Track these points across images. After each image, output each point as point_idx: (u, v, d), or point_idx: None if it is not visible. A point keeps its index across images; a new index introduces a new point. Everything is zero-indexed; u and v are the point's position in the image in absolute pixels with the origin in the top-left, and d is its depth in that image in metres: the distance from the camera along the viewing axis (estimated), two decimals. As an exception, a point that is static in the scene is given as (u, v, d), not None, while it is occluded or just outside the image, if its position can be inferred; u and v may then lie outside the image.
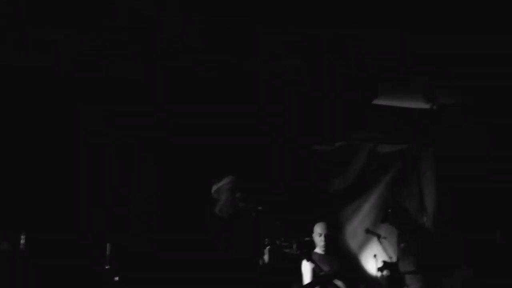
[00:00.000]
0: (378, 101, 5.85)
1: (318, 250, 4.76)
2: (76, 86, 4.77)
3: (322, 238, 4.68)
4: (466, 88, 5.55)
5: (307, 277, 4.63)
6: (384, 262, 5.11)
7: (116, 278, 4.36)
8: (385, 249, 5.04)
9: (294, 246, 4.83)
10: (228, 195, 3.51)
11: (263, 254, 4.85)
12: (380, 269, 5.19)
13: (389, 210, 5.30)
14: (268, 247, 5.45)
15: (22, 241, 4.17)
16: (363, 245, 6.11)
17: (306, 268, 4.63)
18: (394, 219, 5.24)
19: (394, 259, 4.99)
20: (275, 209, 4.81)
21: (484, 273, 5.06)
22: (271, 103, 5.41)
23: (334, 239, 4.86)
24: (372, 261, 5.50)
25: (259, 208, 3.81)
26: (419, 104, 5.91)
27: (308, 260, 4.48)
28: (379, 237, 5.03)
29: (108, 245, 4.43)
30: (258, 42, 4.56)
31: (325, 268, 4.50)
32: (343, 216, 6.25)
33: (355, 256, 6.20)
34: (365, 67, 5.21)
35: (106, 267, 4.40)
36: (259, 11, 4.15)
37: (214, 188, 3.54)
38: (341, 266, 4.73)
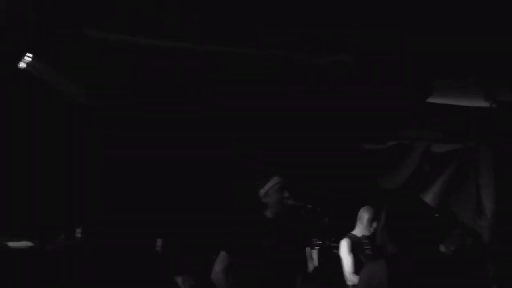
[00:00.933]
0: (433, 99, 5.66)
1: (363, 232, 4.73)
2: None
3: (375, 224, 4.64)
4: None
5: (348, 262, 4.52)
6: None
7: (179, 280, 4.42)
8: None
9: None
10: (278, 196, 3.46)
11: (311, 254, 4.80)
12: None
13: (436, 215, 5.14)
14: (317, 248, 5.40)
15: (78, 234, 4.32)
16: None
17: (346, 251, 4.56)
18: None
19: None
20: (324, 208, 4.78)
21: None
22: (322, 99, 5.35)
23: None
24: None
25: (309, 206, 3.76)
26: (477, 102, 5.67)
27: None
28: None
29: (158, 240, 4.52)
30: (311, 36, 4.51)
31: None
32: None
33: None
34: (420, 64, 5.06)
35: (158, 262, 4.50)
36: (313, 5, 4.10)
37: (262, 192, 3.49)
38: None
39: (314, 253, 5.36)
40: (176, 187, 5.02)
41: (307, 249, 5.45)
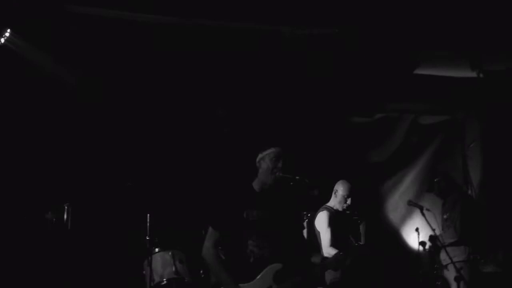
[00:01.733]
0: (420, 71, 5.64)
1: (337, 207, 4.68)
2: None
3: (349, 201, 4.63)
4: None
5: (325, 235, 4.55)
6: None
7: (157, 250, 4.43)
8: (428, 222, 4.89)
9: None
10: (269, 164, 3.45)
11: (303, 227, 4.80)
12: (422, 243, 5.05)
13: (436, 180, 5.17)
14: (306, 220, 5.41)
15: (65, 211, 4.29)
16: (404, 218, 5.98)
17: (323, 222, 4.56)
18: (440, 188, 5.11)
19: (437, 232, 4.86)
20: (313, 181, 4.78)
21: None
22: (309, 74, 5.31)
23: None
24: (414, 234, 5.35)
25: (297, 177, 3.75)
26: (464, 73, 5.66)
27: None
28: (422, 209, 4.87)
29: (148, 216, 4.50)
30: (296, 7, 4.45)
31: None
32: (383, 189, 6.12)
33: (396, 230, 6.08)
34: (406, 35, 5.03)
35: (147, 238, 4.49)
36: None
37: (259, 156, 3.45)
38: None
39: (304, 225, 5.38)
40: (165, 162, 4.99)
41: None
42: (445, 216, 5.00)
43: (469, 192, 5.80)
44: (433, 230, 4.76)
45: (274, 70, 5.14)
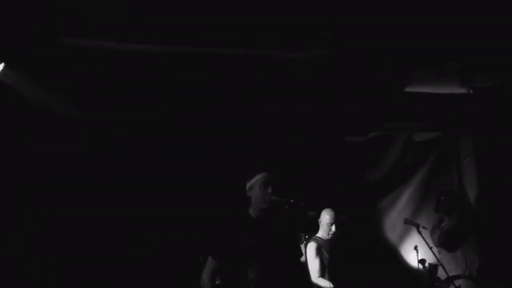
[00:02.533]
0: (411, 88, 5.69)
1: (322, 235, 4.73)
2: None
3: (333, 227, 4.70)
4: (504, 68, 5.33)
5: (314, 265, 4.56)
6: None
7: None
8: (425, 239, 4.88)
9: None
10: (260, 191, 3.44)
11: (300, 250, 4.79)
12: (421, 261, 5.03)
13: (442, 198, 5.20)
14: (305, 242, 5.39)
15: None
16: (402, 236, 5.95)
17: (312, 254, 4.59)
18: (445, 206, 5.14)
19: (434, 249, 4.84)
20: (309, 203, 4.77)
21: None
22: (301, 94, 5.35)
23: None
24: (413, 253, 5.33)
25: (292, 201, 3.74)
26: (454, 89, 5.72)
27: None
28: (418, 227, 4.87)
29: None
30: (285, 31, 4.51)
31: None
32: (380, 209, 6.11)
33: (395, 249, 6.05)
34: (395, 54, 5.08)
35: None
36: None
37: (248, 185, 3.48)
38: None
39: (302, 248, 5.36)
40: (158, 187, 4.97)
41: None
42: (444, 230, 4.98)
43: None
44: (430, 248, 4.76)
45: (266, 93, 5.17)
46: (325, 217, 4.76)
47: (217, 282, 3.42)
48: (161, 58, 4.68)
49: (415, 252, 5.13)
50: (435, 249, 4.88)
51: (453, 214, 5.18)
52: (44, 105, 4.65)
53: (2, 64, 4.43)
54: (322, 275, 4.55)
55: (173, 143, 5.17)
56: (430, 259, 5.19)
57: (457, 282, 4.60)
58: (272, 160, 5.08)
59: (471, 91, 5.61)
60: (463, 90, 5.65)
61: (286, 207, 3.59)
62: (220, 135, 5.26)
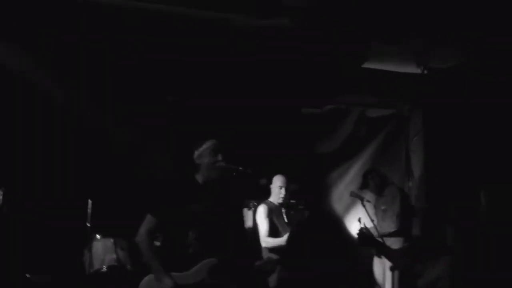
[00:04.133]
0: (368, 65, 5.76)
1: (274, 200, 4.87)
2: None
3: (283, 190, 4.83)
4: (457, 51, 5.46)
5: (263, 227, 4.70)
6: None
7: (98, 237, 4.38)
8: (367, 213, 5.07)
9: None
10: (210, 158, 3.44)
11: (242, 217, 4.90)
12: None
13: (370, 176, 5.41)
14: (253, 209, 5.49)
15: (0, 197, 4.15)
16: (348, 208, 6.14)
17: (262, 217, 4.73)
18: (375, 183, 5.36)
19: (375, 222, 5.03)
20: (260, 171, 4.83)
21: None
22: (260, 63, 5.31)
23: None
24: (356, 224, 5.53)
25: (240, 168, 3.77)
26: (410, 68, 5.83)
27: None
28: (362, 200, 5.05)
29: (89, 202, 4.43)
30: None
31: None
32: (329, 180, 6.26)
33: (340, 219, 6.25)
34: (356, 29, 5.11)
35: (87, 225, 4.43)
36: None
37: (196, 153, 3.44)
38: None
39: (250, 214, 5.46)
40: (105, 147, 4.89)
41: (244, 210, 5.57)
42: (383, 208, 5.19)
43: (410, 185, 6.02)
44: (372, 221, 4.93)
45: (223, 59, 5.11)
46: (276, 182, 4.90)
47: (157, 244, 3.44)
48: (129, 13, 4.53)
49: (358, 223, 5.31)
50: (375, 222, 5.06)
51: (387, 192, 5.34)
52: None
53: None
54: (271, 234, 4.66)
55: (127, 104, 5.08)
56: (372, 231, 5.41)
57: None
58: (225, 128, 5.10)
59: (425, 71, 5.74)
60: (418, 70, 5.77)
61: (234, 174, 3.62)
62: (178, 102, 5.19)
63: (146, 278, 3.17)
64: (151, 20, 4.58)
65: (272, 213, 4.77)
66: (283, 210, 4.92)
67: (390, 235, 5.04)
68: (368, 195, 5.46)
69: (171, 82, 5.21)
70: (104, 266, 4.29)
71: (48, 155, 4.66)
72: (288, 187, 4.88)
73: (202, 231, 3.25)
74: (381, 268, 5.27)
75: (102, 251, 4.34)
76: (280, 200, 4.85)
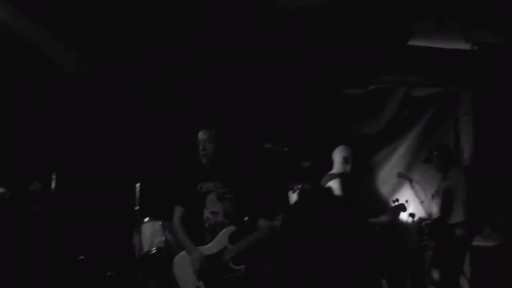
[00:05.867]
0: (414, 42, 5.57)
1: (336, 171, 4.68)
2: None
3: (349, 163, 4.63)
4: (509, 25, 5.20)
5: None
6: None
7: (146, 219, 4.46)
8: (417, 194, 4.93)
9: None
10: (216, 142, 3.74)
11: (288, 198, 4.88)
12: (411, 215, 5.11)
13: (435, 153, 5.09)
14: (297, 191, 5.44)
15: (53, 181, 4.28)
16: (394, 190, 5.99)
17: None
18: (437, 162, 5.03)
19: (426, 203, 4.89)
20: (303, 152, 4.77)
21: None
22: (301, 43, 5.24)
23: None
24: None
25: (285, 149, 3.82)
26: (458, 44, 5.60)
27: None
28: (411, 181, 4.90)
29: (137, 186, 4.51)
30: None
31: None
32: (374, 161, 6.13)
33: (386, 202, 6.12)
34: (399, 5, 4.94)
35: (136, 208, 4.51)
36: None
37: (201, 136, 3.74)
38: None
39: (294, 197, 5.42)
40: (147, 134, 4.97)
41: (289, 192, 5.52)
42: (445, 187, 4.89)
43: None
44: (421, 202, 4.81)
45: (264, 42, 5.07)
46: (340, 153, 4.72)
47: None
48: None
49: (406, 205, 5.19)
50: (426, 204, 4.92)
51: (452, 173, 5.05)
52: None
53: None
54: None
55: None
56: (420, 213, 5.27)
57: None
58: (272, 111, 5.08)
59: (475, 47, 5.49)
60: (467, 46, 5.54)
61: (279, 155, 3.73)
62: (214, 81, 5.19)
63: (180, 253, 3.64)
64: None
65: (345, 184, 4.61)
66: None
67: (457, 225, 4.76)
68: (416, 175, 5.31)
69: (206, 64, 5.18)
70: (153, 248, 4.38)
71: (98, 140, 4.78)
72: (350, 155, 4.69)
73: (214, 206, 3.64)
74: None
75: (151, 233, 4.42)
76: (344, 171, 4.64)
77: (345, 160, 4.65)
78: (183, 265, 3.56)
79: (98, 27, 4.66)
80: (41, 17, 4.57)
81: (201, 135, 3.74)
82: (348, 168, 4.66)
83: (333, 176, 4.64)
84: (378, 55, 5.51)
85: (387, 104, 6.17)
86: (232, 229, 3.58)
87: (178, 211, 3.72)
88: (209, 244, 3.58)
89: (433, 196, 5.13)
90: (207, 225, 3.61)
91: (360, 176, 5.23)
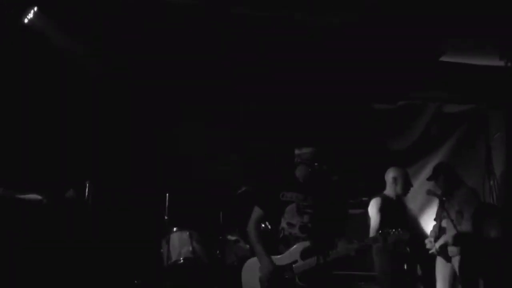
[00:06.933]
0: (446, 58, 5.53)
1: (388, 193, 4.68)
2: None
3: (399, 183, 4.63)
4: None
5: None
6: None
7: (175, 229, 4.52)
8: (447, 211, 4.83)
9: None
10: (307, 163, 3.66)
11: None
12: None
13: (442, 173, 5.01)
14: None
15: (87, 189, 4.38)
16: (423, 207, 5.92)
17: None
18: (443, 180, 4.95)
19: (455, 222, 4.79)
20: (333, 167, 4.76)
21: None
22: (331, 61, 5.26)
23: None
24: (433, 224, 5.32)
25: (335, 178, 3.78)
26: (492, 61, 5.53)
27: None
28: (441, 198, 4.81)
29: (167, 195, 4.58)
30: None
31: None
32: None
33: (415, 219, 6.04)
34: (433, 22, 4.92)
35: (165, 217, 4.58)
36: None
37: (297, 152, 3.71)
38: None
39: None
40: (182, 146, 5.05)
41: None
42: (457, 208, 4.88)
43: (491, 184, 5.69)
44: (452, 220, 4.72)
45: (296, 59, 5.10)
46: (390, 173, 4.72)
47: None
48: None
49: (435, 223, 5.11)
50: (455, 221, 4.82)
51: (460, 193, 4.95)
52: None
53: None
54: (382, 229, 4.18)
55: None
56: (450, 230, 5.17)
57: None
58: (300, 127, 5.10)
59: (509, 63, 5.42)
60: (500, 63, 5.47)
61: (335, 178, 3.72)
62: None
63: (251, 259, 3.66)
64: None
65: (387, 205, 4.59)
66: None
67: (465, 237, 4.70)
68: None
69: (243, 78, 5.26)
70: (181, 258, 4.42)
71: (130, 152, 4.87)
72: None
73: (292, 217, 3.56)
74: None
75: (179, 243, 4.47)
76: (395, 193, 4.64)
77: (394, 180, 4.66)
78: (251, 271, 3.56)
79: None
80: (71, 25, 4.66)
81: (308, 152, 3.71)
82: (398, 189, 4.65)
83: (378, 196, 4.66)
84: (410, 71, 5.49)
85: (417, 120, 6.13)
86: (306, 244, 3.52)
87: (256, 213, 3.66)
88: (281, 255, 3.55)
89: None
90: (281, 235, 3.58)
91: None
